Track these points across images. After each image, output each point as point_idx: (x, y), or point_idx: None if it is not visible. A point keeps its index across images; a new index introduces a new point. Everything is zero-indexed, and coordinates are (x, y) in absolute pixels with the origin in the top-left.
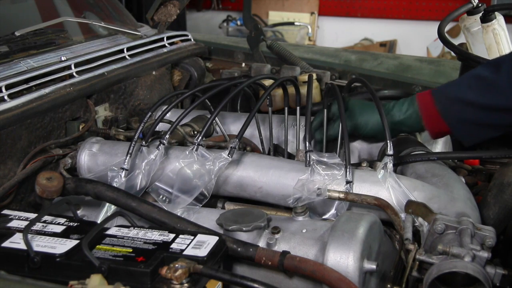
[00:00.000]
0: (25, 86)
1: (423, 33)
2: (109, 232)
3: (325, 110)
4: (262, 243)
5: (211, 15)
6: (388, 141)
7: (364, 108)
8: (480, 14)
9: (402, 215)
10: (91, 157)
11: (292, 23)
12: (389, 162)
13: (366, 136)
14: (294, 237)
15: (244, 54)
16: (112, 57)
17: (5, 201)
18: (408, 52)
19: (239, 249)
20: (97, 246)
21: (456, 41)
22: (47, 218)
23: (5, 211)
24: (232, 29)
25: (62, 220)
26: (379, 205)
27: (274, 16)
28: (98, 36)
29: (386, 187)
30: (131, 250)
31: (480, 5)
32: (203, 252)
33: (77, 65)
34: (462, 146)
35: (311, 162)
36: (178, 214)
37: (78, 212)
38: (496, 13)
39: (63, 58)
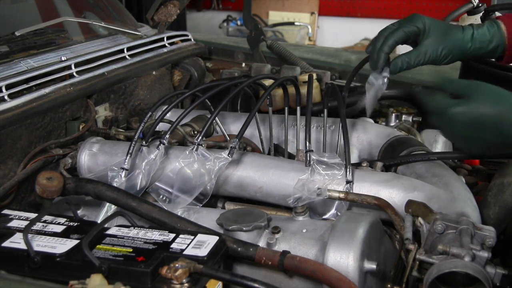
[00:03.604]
0: (25, 86)
1: None
2: (109, 232)
3: (325, 110)
4: (262, 243)
5: (211, 15)
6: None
7: (444, 33)
8: (481, 14)
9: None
10: (91, 157)
11: (292, 23)
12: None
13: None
14: (294, 237)
15: (244, 54)
16: (112, 57)
17: (5, 201)
18: None
19: (239, 249)
20: (97, 246)
21: None
22: (47, 218)
23: (5, 211)
24: (232, 29)
25: (62, 220)
26: (379, 205)
27: (274, 16)
28: (98, 36)
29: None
30: (131, 250)
31: (480, 5)
32: (203, 252)
33: (77, 65)
34: None
35: (311, 162)
36: (178, 214)
37: (78, 212)
38: (496, 13)
39: (63, 58)
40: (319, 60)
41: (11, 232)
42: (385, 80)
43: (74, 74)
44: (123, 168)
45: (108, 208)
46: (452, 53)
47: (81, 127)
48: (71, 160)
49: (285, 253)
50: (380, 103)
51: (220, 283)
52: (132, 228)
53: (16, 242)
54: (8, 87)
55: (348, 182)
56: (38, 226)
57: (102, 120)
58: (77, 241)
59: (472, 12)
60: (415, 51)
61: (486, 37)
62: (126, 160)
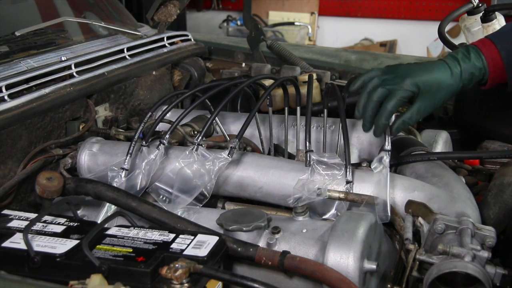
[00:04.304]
0: (25, 86)
1: (423, 33)
2: (109, 232)
3: (325, 110)
4: (262, 243)
5: (211, 15)
6: (386, 136)
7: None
8: (481, 14)
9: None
10: (91, 157)
11: (292, 23)
12: (385, 157)
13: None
14: (294, 237)
15: (244, 54)
16: (112, 57)
17: (5, 201)
18: (408, 52)
19: (239, 249)
20: (97, 246)
21: (456, 41)
22: (47, 218)
23: (5, 211)
24: (232, 29)
25: (62, 220)
26: None
27: (274, 16)
28: (98, 36)
29: (376, 181)
30: (131, 250)
31: (480, 5)
32: (203, 252)
33: (77, 65)
34: (462, 146)
35: (311, 162)
36: (178, 214)
37: (78, 212)
38: (496, 13)
39: (63, 58)
40: (319, 60)
41: (11, 232)
42: (387, 159)
43: (74, 74)
44: (123, 168)
45: (108, 208)
46: (446, 98)
47: (81, 127)
48: (71, 160)
49: (285, 253)
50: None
51: (220, 283)
52: (132, 228)
53: (16, 242)
54: (8, 87)
55: (348, 182)
56: (38, 226)
57: (102, 120)
58: (77, 241)
59: (472, 12)
60: (415, 111)
61: (473, 75)
62: (126, 160)
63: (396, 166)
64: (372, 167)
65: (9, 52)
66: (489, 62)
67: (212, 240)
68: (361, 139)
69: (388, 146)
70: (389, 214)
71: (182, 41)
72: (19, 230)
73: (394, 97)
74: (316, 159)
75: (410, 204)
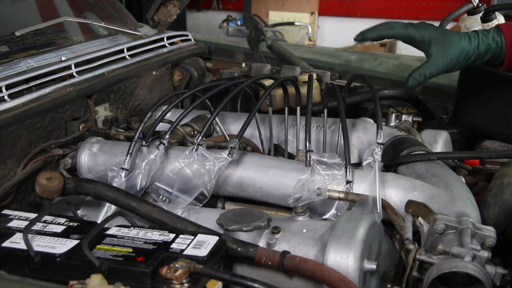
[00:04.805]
0: (25, 86)
1: None
2: (109, 232)
3: (325, 110)
4: (262, 243)
5: (211, 15)
6: (379, 129)
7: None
8: (481, 14)
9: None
10: (91, 157)
11: (292, 23)
12: (377, 150)
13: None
14: (294, 237)
15: (244, 54)
16: (112, 57)
17: (5, 201)
18: (408, 52)
19: (239, 249)
20: (97, 246)
21: None
22: (47, 218)
23: (5, 211)
24: (232, 29)
25: (62, 220)
26: None
27: (274, 16)
28: (98, 36)
29: (369, 179)
30: (131, 250)
31: (480, 5)
32: (203, 252)
33: (77, 65)
34: (462, 146)
35: (311, 162)
36: (178, 214)
37: (78, 212)
38: (496, 13)
39: (63, 58)
40: (319, 60)
41: (11, 232)
42: (380, 152)
43: (74, 74)
44: (123, 168)
45: (108, 208)
46: (459, 60)
47: (81, 127)
48: (71, 160)
49: (285, 253)
50: (380, 103)
51: (220, 283)
52: (132, 228)
53: (16, 242)
54: (8, 87)
55: (348, 182)
56: (38, 226)
57: (102, 120)
58: (77, 241)
59: (472, 12)
60: (429, 62)
61: (490, 46)
62: (126, 160)
63: (396, 166)
64: (363, 159)
65: (9, 52)
66: (508, 41)
67: (212, 240)
68: (361, 139)
69: (380, 139)
70: (380, 209)
71: (182, 41)
72: (19, 230)
73: (404, 28)
74: (316, 159)
75: (410, 204)
